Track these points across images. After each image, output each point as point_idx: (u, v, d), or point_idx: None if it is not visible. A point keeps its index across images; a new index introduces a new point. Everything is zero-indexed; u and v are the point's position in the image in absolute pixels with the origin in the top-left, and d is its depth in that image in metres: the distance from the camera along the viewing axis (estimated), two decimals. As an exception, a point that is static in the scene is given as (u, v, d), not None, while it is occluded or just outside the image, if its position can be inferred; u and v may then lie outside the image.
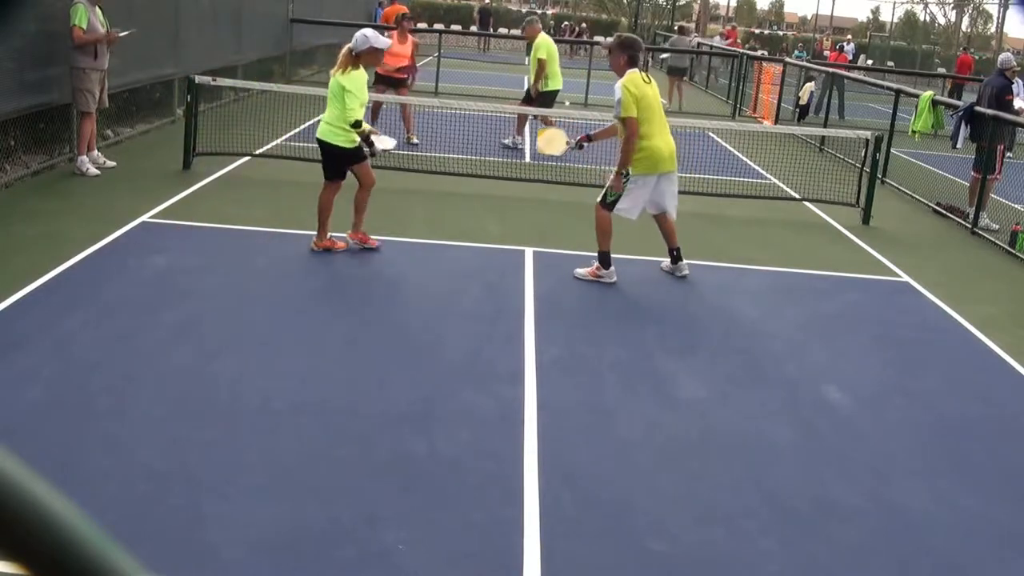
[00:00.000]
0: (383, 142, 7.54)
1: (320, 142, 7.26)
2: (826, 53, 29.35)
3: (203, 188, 9.06)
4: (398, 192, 9.58)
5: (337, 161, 7.24)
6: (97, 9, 8.94)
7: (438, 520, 3.80)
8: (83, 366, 4.98)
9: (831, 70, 17.63)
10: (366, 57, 7.18)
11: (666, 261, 7.59)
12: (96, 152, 9.43)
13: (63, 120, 9.52)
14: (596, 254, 7.22)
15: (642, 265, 7.73)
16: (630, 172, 7.08)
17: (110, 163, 9.48)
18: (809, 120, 16.95)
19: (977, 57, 35.79)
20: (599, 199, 7.28)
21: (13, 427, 4.27)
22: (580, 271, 7.27)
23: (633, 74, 7.06)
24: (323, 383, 5.00)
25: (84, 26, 8.73)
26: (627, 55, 7.16)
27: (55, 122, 9.47)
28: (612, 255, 7.21)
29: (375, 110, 12.53)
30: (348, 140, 7.15)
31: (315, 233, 7.34)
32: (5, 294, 5.78)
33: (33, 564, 0.46)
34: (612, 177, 7.18)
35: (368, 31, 7.26)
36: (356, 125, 7.04)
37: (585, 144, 7.74)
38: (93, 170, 9.13)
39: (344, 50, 7.18)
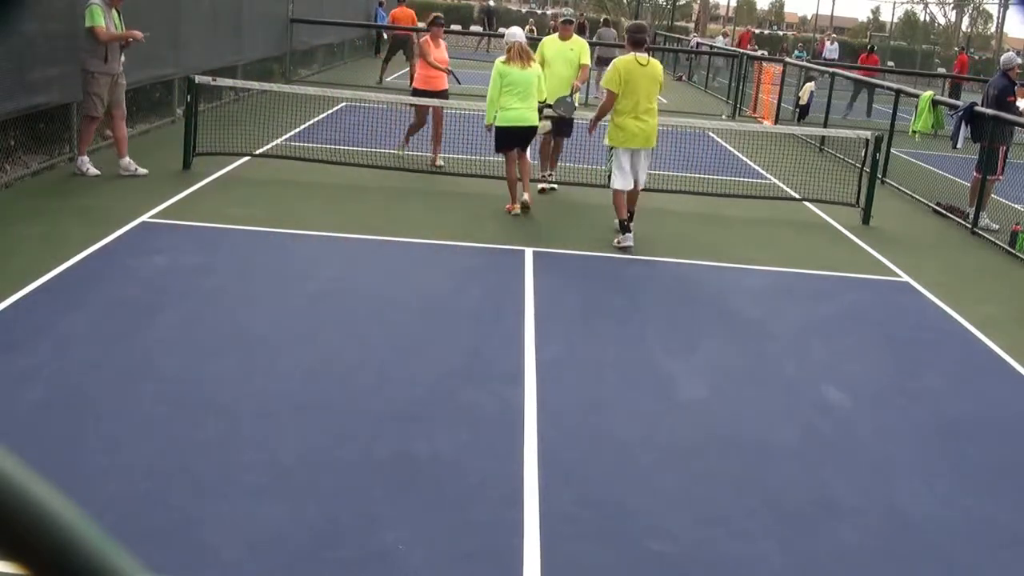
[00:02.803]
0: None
1: (528, 128, 8.89)
2: (825, 54, 29.28)
3: (203, 188, 9.06)
4: (398, 192, 9.59)
5: (529, 136, 8.97)
6: (114, 12, 8.82)
7: (438, 520, 3.80)
8: (83, 366, 4.98)
9: (831, 70, 17.59)
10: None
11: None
12: (128, 159, 9.22)
13: (63, 120, 9.52)
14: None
15: (642, 265, 7.74)
16: (610, 145, 8.28)
17: (142, 171, 9.22)
18: (809, 120, 16.95)
19: (977, 57, 35.79)
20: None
21: (13, 427, 4.27)
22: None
23: (627, 57, 8.21)
24: (323, 383, 5.00)
25: (104, 25, 8.64)
26: (629, 39, 8.47)
27: (55, 122, 9.46)
28: (614, 256, 7.34)
29: (415, 127, 11.02)
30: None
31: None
32: (5, 294, 5.77)
33: (33, 564, 0.46)
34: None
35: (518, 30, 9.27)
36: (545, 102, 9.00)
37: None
38: (93, 170, 9.07)
39: (518, 46, 8.88)
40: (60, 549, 0.46)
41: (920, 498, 4.35)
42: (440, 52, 10.96)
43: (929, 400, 5.57)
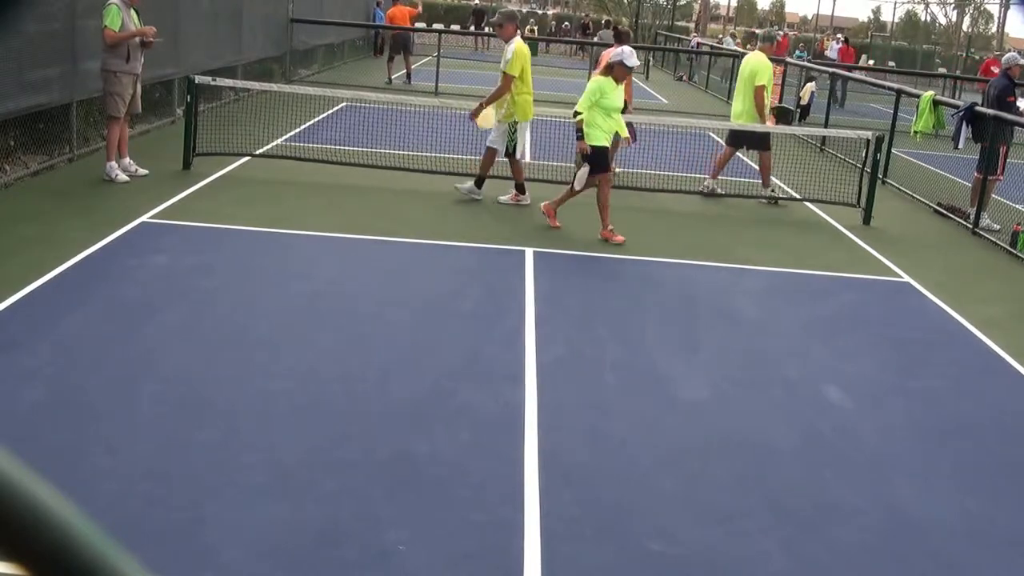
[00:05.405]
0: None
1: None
2: (827, 52, 29.26)
3: (203, 188, 9.05)
4: (398, 192, 9.59)
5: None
6: (132, 11, 8.75)
7: (438, 520, 3.80)
8: (83, 366, 4.98)
9: (831, 70, 17.59)
10: (617, 70, 8.27)
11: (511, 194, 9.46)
12: (128, 160, 9.19)
13: (63, 120, 9.52)
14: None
15: (641, 265, 7.74)
16: (516, 120, 9.13)
17: (142, 171, 9.21)
18: (809, 120, 16.94)
19: (977, 57, 35.77)
20: (506, 153, 9.33)
21: (13, 427, 4.27)
22: (503, 198, 9.41)
23: (520, 40, 9.14)
24: (323, 383, 5.00)
25: (116, 28, 8.55)
26: (514, 24, 9.31)
27: (55, 122, 9.46)
28: (614, 256, 7.32)
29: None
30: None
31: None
32: (5, 294, 5.77)
33: (33, 564, 0.46)
34: (480, 107, 9.27)
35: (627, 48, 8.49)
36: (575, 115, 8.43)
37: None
38: (123, 177, 8.92)
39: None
40: (60, 549, 0.46)
41: (920, 498, 4.35)
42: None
43: (929, 400, 5.57)
